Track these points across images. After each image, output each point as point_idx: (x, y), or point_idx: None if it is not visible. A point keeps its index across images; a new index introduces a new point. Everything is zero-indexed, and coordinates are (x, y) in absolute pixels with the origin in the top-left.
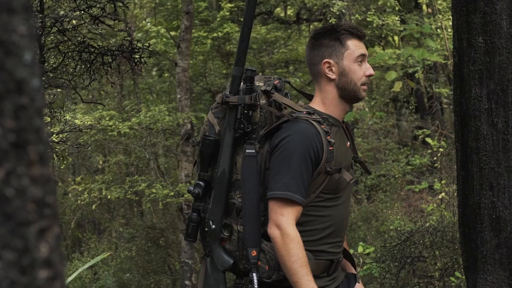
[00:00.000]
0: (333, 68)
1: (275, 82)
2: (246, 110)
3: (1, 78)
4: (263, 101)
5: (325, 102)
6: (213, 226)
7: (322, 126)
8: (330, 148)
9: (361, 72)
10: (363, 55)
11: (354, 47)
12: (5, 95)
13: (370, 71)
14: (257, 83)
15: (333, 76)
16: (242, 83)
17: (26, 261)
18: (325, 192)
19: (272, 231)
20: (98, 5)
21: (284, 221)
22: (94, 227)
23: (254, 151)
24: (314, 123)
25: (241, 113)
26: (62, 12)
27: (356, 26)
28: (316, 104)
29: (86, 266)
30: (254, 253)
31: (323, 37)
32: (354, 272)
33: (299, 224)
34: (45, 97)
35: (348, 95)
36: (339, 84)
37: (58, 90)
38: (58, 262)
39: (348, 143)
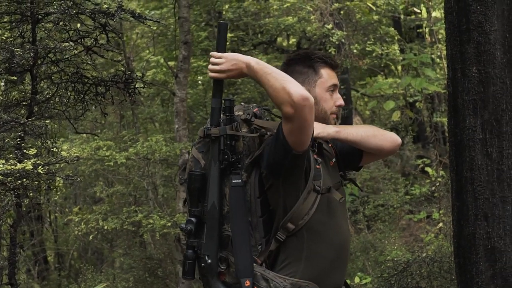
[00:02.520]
0: None
1: (255, 110)
2: (229, 140)
3: None
4: (244, 129)
5: None
6: (209, 261)
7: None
8: (317, 167)
9: (332, 101)
10: (335, 85)
11: (327, 76)
12: None
13: (341, 101)
14: (236, 113)
15: None
16: (222, 114)
17: None
18: (318, 213)
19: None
20: (91, 36)
21: None
22: (97, 258)
23: (240, 181)
24: None
25: (224, 144)
26: (51, 44)
27: (330, 55)
28: None
29: None
30: (247, 283)
31: (297, 63)
32: None
33: (303, 249)
34: (37, 128)
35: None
36: None
37: (47, 121)
38: None
39: (333, 161)
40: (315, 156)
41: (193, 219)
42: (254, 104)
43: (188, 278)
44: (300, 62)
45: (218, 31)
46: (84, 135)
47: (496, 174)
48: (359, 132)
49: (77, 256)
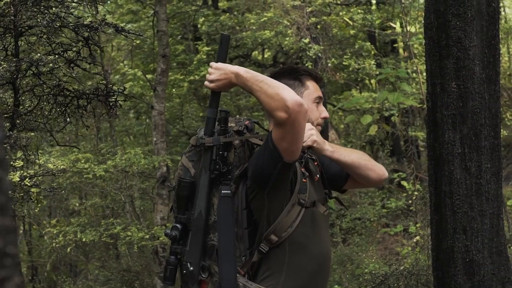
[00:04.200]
0: None
1: (246, 123)
2: (221, 151)
3: None
4: (236, 141)
5: None
6: (191, 268)
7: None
8: (304, 181)
9: (318, 113)
10: (320, 97)
11: (313, 88)
12: None
13: (325, 113)
14: (228, 124)
15: None
16: (216, 125)
17: None
18: (302, 226)
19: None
20: (73, 49)
21: None
22: (70, 270)
23: (229, 191)
24: None
25: (216, 154)
26: (36, 56)
27: (314, 70)
28: None
29: None
30: None
31: (282, 76)
32: None
33: (284, 261)
34: (19, 140)
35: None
36: None
37: (32, 133)
38: None
39: (317, 176)
40: (302, 169)
41: (178, 225)
42: (245, 117)
43: (168, 284)
44: (286, 75)
45: (220, 43)
46: (61, 147)
47: (474, 188)
48: (351, 156)
49: (50, 269)
